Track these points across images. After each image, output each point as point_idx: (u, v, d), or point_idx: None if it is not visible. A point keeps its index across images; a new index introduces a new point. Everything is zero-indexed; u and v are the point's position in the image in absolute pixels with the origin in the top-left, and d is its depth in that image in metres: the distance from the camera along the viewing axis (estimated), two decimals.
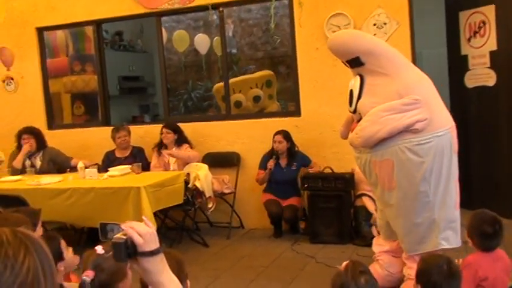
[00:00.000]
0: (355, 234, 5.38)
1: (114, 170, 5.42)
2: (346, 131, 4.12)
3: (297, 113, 5.88)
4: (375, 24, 5.40)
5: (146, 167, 5.81)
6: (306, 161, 5.68)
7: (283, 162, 5.66)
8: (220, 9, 6.02)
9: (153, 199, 4.83)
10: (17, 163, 5.97)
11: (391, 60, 3.65)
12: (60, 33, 7.76)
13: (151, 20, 6.65)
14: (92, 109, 7.94)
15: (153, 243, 1.36)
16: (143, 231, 1.34)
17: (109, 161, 5.98)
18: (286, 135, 5.63)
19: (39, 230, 3.11)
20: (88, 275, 1.65)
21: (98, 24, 6.69)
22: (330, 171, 5.50)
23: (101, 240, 1.46)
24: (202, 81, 9.73)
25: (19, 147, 6.06)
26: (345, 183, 5.36)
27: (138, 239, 1.33)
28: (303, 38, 5.69)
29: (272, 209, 5.64)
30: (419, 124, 3.46)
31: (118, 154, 6.05)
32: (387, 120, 3.49)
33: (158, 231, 4.85)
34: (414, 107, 3.48)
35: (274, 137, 5.63)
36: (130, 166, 5.54)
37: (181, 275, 1.95)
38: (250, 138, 5.98)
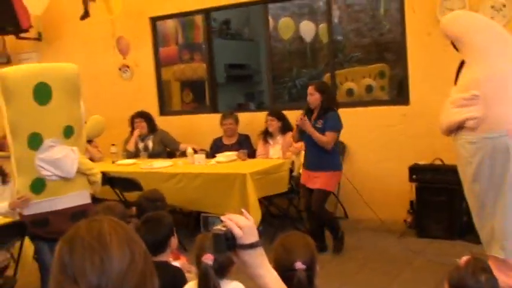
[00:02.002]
0: (467, 230, 5.10)
1: (221, 156, 5.55)
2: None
3: (405, 101, 5.66)
4: (492, 7, 5.05)
5: (252, 154, 5.89)
6: (328, 126, 4.73)
7: (313, 117, 4.85)
8: None
9: (258, 186, 4.90)
10: (130, 146, 6.33)
11: (475, 51, 3.41)
12: (170, 23, 8.04)
13: (258, 8, 6.69)
14: (199, 96, 8.18)
15: (253, 236, 1.35)
16: (243, 224, 1.34)
17: (216, 148, 6.14)
18: (319, 86, 4.86)
19: None
20: (208, 258, 1.67)
21: (207, 12, 6.85)
22: (440, 162, 5.25)
23: (202, 232, 1.47)
24: (307, 68, 9.69)
25: (132, 131, 6.39)
26: (456, 175, 5.06)
27: (237, 231, 1.32)
28: (413, 23, 5.45)
29: (303, 200, 5.09)
30: (469, 122, 3.29)
31: (225, 141, 6.19)
32: (449, 113, 3.44)
33: (262, 218, 4.95)
34: (471, 103, 3.28)
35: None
36: (236, 153, 5.65)
37: (315, 258, 2.01)
38: (356, 126, 5.84)
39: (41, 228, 3.72)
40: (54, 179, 3.71)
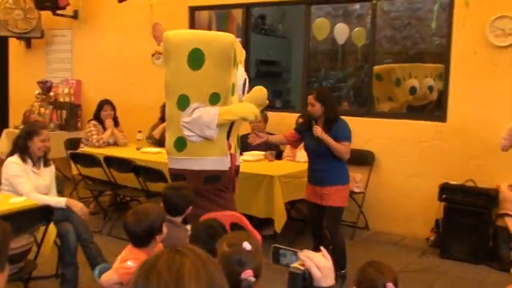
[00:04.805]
0: (492, 256, 4.99)
1: (248, 155, 5.46)
2: (508, 143, 3.79)
3: (442, 117, 5.53)
4: None
5: (278, 156, 5.80)
6: (341, 136, 4.28)
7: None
8: (374, 1, 5.79)
9: (285, 190, 4.81)
10: (157, 133, 6.25)
11: None
12: (205, 12, 7.93)
13: (295, 7, 6.57)
14: None
15: (330, 278, 1.29)
16: (322, 265, 1.27)
17: (243, 145, 6.03)
18: (319, 96, 4.35)
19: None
20: (249, 275, 1.59)
21: (247, 8, 6.75)
22: (473, 184, 5.13)
23: (272, 263, 1.41)
24: (335, 71, 9.59)
25: (162, 118, 6.31)
26: (487, 199, 4.99)
27: (316, 273, 1.26)
28: (460, 39, 5.30)
29: (310, 217, 4.67)
30: None
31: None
32: None
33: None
34: None
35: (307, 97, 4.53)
36: (264, 153, 5.56)
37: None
38: (388, 139, 5.74)
39: None
40: (194, 140, 3.86)
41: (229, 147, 4.06)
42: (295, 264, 1.26)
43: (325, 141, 4.25)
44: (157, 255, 1.02)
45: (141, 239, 2.67)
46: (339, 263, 4.26)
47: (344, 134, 4.32)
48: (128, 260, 2.71)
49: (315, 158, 4.44)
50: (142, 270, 1.00)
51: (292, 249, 1.31)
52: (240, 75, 4.05)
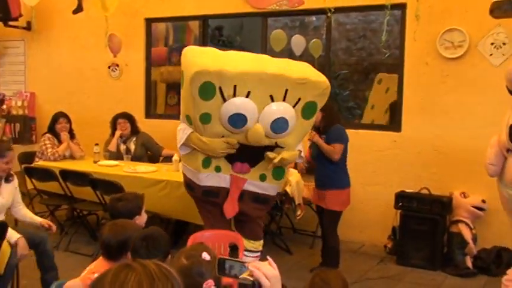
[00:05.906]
0: (447, 262, 5.13)
1: None
2: (498, 168, 3.74)
3: (397, 127, 5.67)
4: (492, 44, 5.09)
5: None
6: (331, 139, 4.59)
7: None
8: (329, 14, 5.90)
9: None
10: (112, 146, 6.19)
11: None
12: (161, 24, 7.92)
13: (252, 18, 6.63)
14: None
15: (279, 286, 1.31)
16: (270, 274, 1.29)
17: None
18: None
19: (144, 215, 3.17)
20: (211, 285, 1.60)
21: (204, 19, 6.77)
22: (427, 192, 5.27)
23: (217, 275, 1.42)
24: None
25: (113, 133, 6.25)
26: (441, 206, 5.13)
27: (265, 282, 1.28)
28: (413, 50, 5.46)
29: (320, 221, 5.07)
30: None
31: None
32: None
33: None
34: None
35: None
36: None
37: None
38: None
39: None
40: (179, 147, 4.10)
41: (240, 170, 4.02)
42: (244, 275, 1.28)
43: (317, 143, 4.58)
44: (107, 270, 1.02)
45: (112, 251, 2.62)
46: (330, 265, 4.53)
47: (335, 137, 4.60)
48: (96, 272, 2.65)
49: (318, 164, 4.76)
50: (91, 285, 1.00)
51: (239, 260, 1.33)
52: (229, 108, 3.69)
